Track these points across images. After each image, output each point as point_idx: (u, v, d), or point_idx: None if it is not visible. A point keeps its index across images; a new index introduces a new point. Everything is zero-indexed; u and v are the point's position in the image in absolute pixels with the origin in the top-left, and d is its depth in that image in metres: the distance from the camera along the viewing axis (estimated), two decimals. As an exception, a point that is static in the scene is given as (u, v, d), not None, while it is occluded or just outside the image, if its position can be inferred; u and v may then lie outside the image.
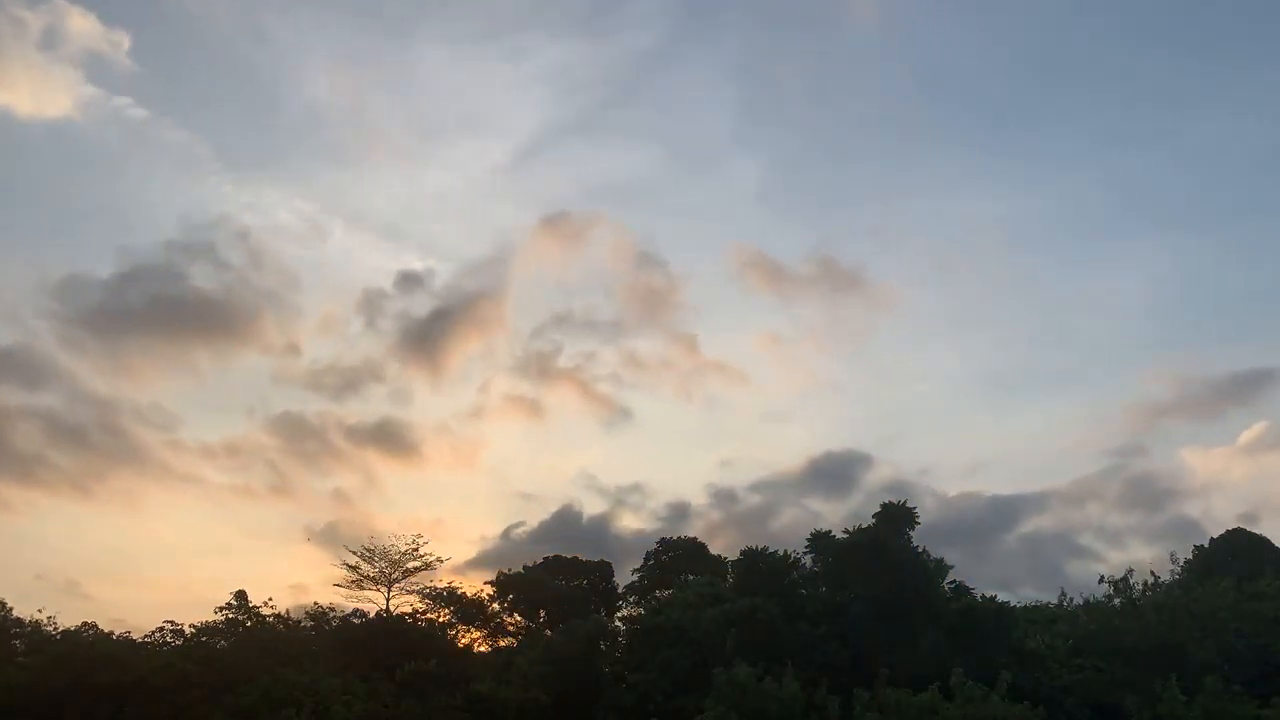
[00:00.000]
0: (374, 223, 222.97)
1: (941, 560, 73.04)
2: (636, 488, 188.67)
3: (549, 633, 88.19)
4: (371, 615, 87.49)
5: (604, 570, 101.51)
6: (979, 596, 71.85)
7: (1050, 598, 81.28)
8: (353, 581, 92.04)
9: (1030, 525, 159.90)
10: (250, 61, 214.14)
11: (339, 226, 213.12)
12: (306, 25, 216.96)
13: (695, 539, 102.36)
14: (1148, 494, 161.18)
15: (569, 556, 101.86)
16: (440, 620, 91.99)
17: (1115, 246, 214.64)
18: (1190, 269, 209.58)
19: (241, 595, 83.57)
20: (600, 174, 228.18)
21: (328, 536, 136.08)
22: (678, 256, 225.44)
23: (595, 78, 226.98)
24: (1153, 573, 70.35)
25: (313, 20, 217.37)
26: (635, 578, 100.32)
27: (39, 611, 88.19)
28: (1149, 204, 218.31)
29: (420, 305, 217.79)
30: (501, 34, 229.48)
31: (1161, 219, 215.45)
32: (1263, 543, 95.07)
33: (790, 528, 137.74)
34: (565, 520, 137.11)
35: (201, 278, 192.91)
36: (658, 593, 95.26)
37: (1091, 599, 70.29)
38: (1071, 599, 75.07)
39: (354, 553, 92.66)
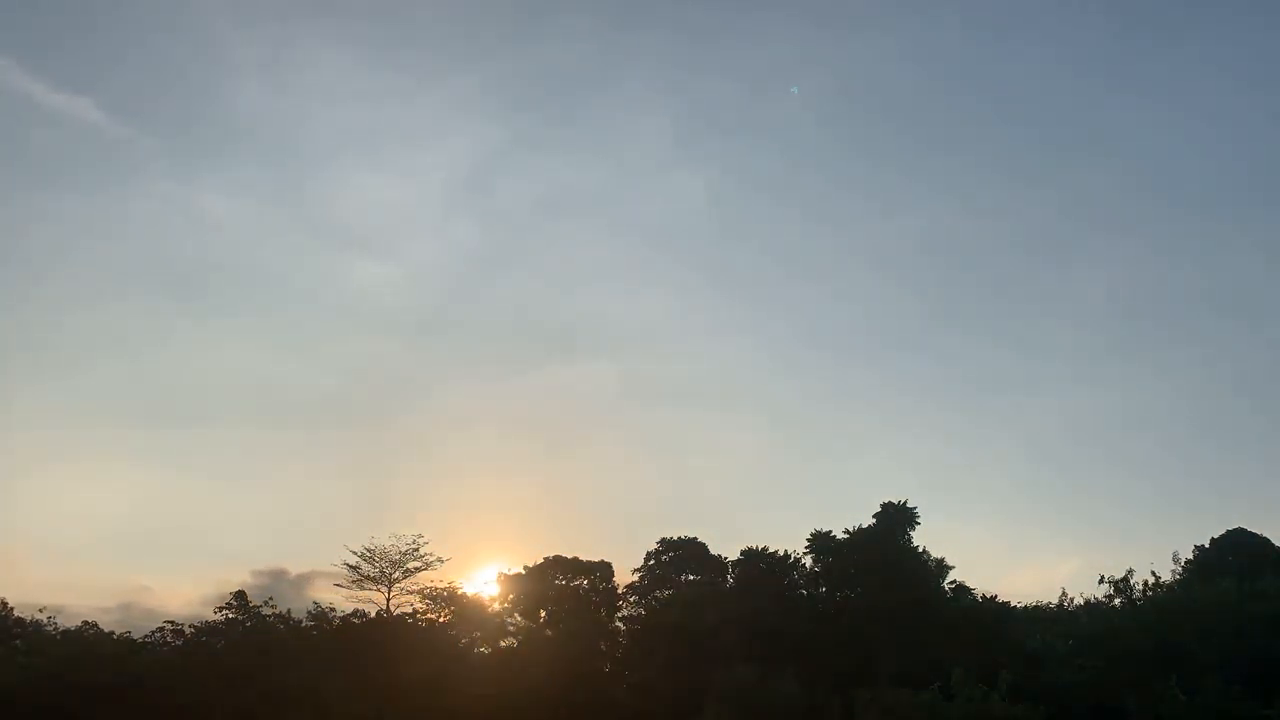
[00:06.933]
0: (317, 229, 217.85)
1: (942, 560, 73.05)
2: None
3: (549, 633, 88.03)
4: (371, 615, 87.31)
5: (604, 570, 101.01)
6: (979, 597, 71.86)
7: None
8: (353, 581, 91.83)
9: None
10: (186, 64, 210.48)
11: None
12: (244, 32, 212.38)
13: (695, 539, 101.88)
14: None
15: (569, 557, 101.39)
16: (440, 620, 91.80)
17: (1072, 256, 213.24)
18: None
19: (241, 595, 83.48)
20: (539, 190, 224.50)
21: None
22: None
23: (529, 93, 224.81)
24: (1153, 573, 70.42)
25: (252, 28, 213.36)
26: (635, 578, 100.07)
27: (39, 612, 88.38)
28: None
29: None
30: (429, 48, 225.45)
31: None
32: (1263, 543, 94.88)
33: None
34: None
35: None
36: (658, 593, 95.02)
37: (1092, 599, 70.27)
38: (1072, 599, 75.05)
39: (354, 553, 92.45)
